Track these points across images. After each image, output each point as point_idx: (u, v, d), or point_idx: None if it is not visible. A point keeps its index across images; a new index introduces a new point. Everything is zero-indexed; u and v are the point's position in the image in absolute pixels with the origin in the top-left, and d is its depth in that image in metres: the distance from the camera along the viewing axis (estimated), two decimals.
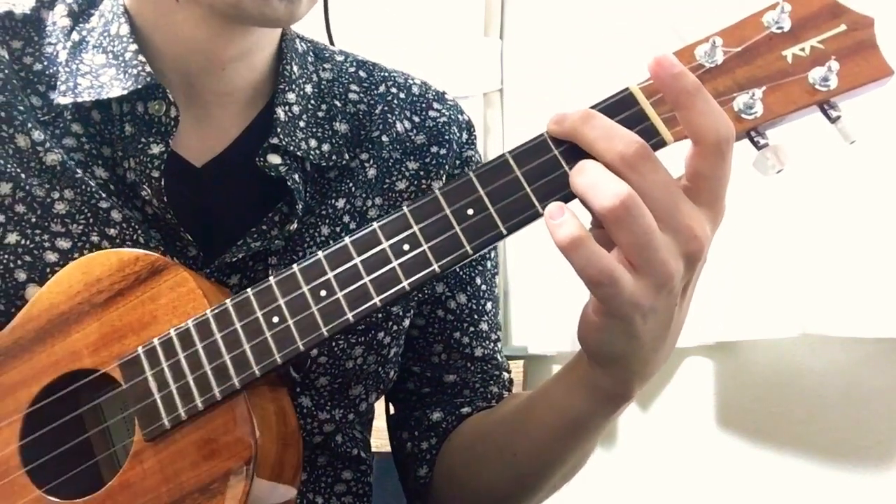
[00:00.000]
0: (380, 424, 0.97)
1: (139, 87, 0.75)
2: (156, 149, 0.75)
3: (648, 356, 0.63)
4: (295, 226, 0.78)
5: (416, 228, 0.60)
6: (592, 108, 0.59)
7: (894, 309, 1.37)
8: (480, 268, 0.92)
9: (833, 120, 0.56)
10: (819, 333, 1.45)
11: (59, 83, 0.77)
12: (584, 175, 0.57)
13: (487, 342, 0.92)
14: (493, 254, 0.94)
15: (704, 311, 1.54)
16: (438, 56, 1.79)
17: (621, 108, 0.58)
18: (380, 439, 1.00)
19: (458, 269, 0.91)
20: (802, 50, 0.56)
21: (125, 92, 0.75)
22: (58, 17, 0.81)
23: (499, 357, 0.94)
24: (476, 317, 0.92)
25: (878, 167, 1.37)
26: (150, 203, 0.76)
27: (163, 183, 0.75)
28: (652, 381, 1.74)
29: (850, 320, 1.41)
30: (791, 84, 0.56)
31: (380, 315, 0.83)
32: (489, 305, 0.93)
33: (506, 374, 0.94)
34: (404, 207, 0.61)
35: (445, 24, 1.84)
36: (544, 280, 1.78)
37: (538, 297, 1.81)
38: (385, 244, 0.60)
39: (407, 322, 0.87)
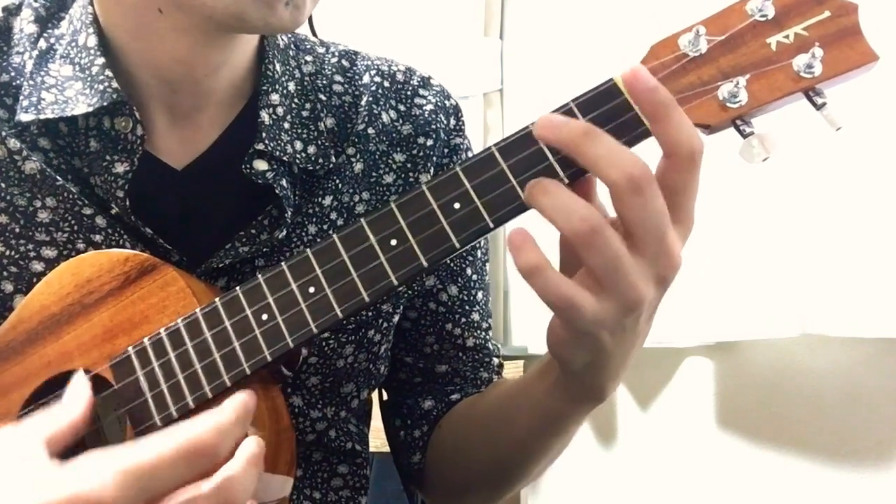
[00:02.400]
0: (379, 424, 0.97)
1: (104, 104, 0.73)
2: (120, 168, 0.74)
3: (618, 365, 0.64)
4: (284, 233, 0.78)
5: (402, 223, 0.60)
6: (576, 98, 0.59)
7: (894, 309, 1.37)
8: (471, 258, 0.92)
9: (819, 107, 0.56)
10: (819, 333, 1.45)
11: (21, 98, 0.75)
12: (549, 196, 0.56)
13: (479, 331, 0.93)
14: (482, 242, 0.94)
15: (704, 311, 1.54)
16: (438, 56, 1.80)
17: (606, 98, 0.58)
18: (379, 439, 1.00)
19: (448, 261, 0.90)
20: (786, 37, 0.56)
21: (90, 109, 0.73)
22: (24, 24, 0.79)
23: (490, 345, 0.94)
24: (467, 307, 0.92)
25: (878, 167, 1.37)
26: (121, 218, 0.75)
27: (128, 203, 0.74)
28: (652, 381, 1.73)
29: (850, 320, 1.41)
30: (775, 71, 0.56)
31: (370, 312, 0.83)
32: (480, 295, 0.93)
33: (496, 360, 0.94)
34: (391, 203, 0.60)
35: (445, 24, 1.84)
36: None
37: (538, 297, 1.80)
38: (372, 239, 0.60)
39: (396, 318, 0.87)
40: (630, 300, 0.56)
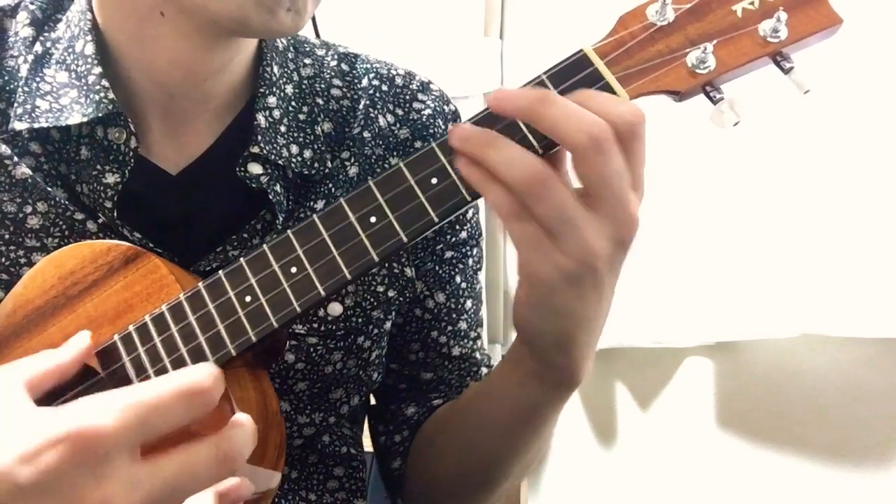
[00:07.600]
0: None
1: (100, 114, 0.72)
2: (111, 178, 0.74)
3: (585, 341, 0.64)
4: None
5: (381, 200, 0.60)
6: (547, 70, 0.59)
7: (894, 309, 1.37)
8: (461, 266, 0.90)
9: (786, 71, 0.57)
10: (819, 333, 1.44)
11: (16, 105, 0.74)
12: (493, 148, 0.57)
13: (466, 341, 0.91)
14: (475, 251, 0.92)
15: (704, 311, 1.53)
16: (438, 56, 1.79)
17: (577, 69, 0.59)
18: None
19: (437, 268, 0.89)
20: (752, 3, 0.57)
21: (85, 119, 0.72)
22: (20, 27, 0.78)
23: (477, 355, 0.93)
24: (454, 316, 0.90)
25: (877, 167, 1.36)
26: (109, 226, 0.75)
27: (115, 213, 0.74)
28: (652, 381, 1.72)
29: (850, 320, 1.40)
30: (742, 37, 0.57)
31: (360, 319, 0.82)
32: (469, 304, 0.92)
33: (483, 369, 0.93)
34: (370, 181, 0.61)
35: (445, 24, 1.84)
36: None
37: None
38: (352, 217, 0.61)
39: (388, 325, 0.86)
40: (584, 252, 0.56)
